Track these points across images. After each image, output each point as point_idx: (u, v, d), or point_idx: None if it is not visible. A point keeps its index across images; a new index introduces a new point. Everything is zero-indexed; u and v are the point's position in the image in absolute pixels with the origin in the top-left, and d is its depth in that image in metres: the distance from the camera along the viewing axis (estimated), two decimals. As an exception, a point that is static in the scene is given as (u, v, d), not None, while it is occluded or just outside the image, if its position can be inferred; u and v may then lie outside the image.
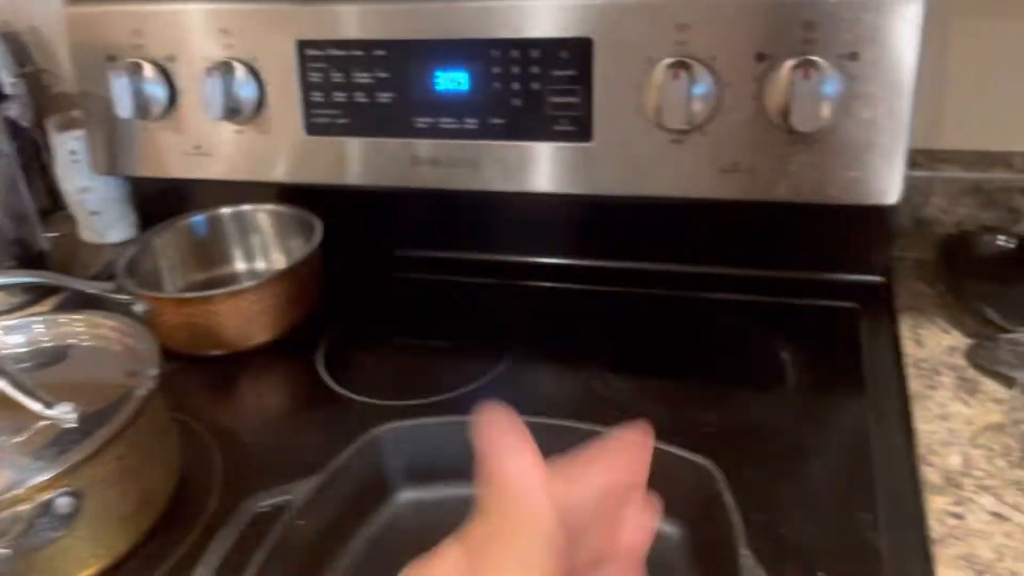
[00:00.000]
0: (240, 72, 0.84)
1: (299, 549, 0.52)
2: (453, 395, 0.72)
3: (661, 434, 0.57)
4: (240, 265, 0.92)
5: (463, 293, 0.88)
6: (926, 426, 0.64)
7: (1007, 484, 0.58)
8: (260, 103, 0.86)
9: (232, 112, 0.85)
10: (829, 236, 0.82)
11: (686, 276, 0.86)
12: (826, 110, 0.71)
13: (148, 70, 0.87)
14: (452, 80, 0.80)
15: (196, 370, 0.79)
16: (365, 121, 0.84)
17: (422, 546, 0.57)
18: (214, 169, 0.90)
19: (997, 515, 0.56)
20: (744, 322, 0.79)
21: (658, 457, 0.55)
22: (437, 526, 0.58)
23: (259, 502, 0.54)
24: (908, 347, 0.73)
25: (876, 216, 0.79)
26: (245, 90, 0.85)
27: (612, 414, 0.66)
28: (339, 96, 0.83)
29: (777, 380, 0.71)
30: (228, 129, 0.87)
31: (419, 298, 0.89)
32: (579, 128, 0.79)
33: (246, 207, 0.90)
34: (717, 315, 0.80)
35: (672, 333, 0.79)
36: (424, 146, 0.84)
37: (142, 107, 0.87)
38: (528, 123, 0.80)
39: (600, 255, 0.89)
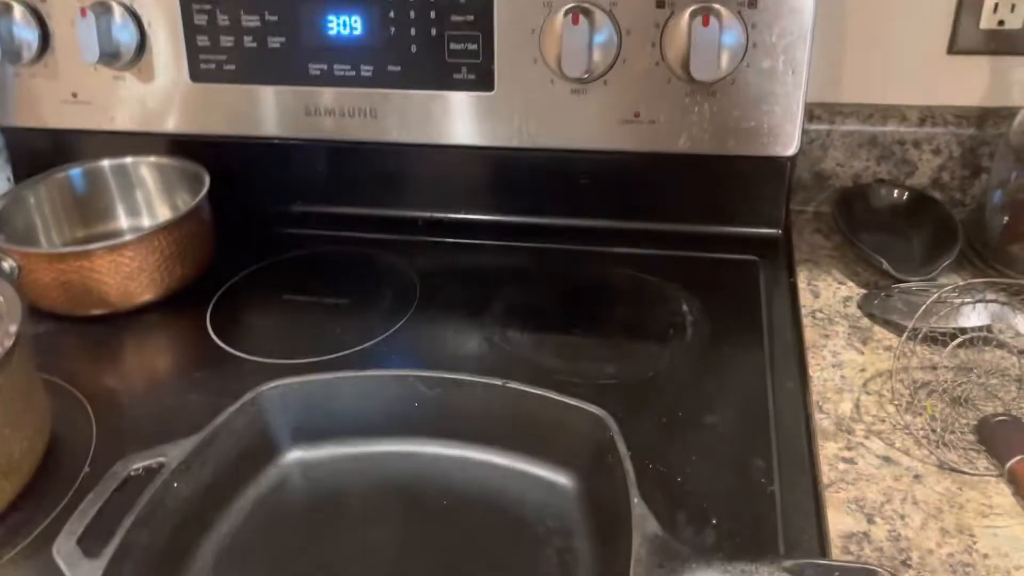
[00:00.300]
0: (118, 13, 0.79)
1: (174, 512, 0.50)
2: (348, 352, 0.69)
3: (559, 386, 0.57)
4: (124, 221, 0.86)
5: (363, 249, 0.85)
6: (820, 374, 0.65)
7: (896, 429, 0.59)
8: (141, 47, 0.81)
9: (110, 56, 0.80)
10: (730, 190, 0.82)
11: (587, 230, 0.84)
12: (725, 59, 0.70)
13: (17, 11, 0.82)
14: (345, 24, 0.76)
15: (75, 331, 0.74)
16: (255, 67, 0.80)
17: (310, 507, 0.56)
18: (94, 119, 0.85)
19: (886, 459, 0.57)
20: (645, 275, 0.78)
21: (552, 408, 0.55)
22: (326, 486, 0.57)
23: (131, 465, 0.51)
24: (805, 298, 0.73)
25: (776, 170, 0.79)
26: (124, 33, 0.80)
27: (510, 367, 0.66)
28: (226, 40, 0.79)
29: (677, 332, 0.71)
30: (107, 75, 0.82)
31: (317, 255, 0.86)
32: (480, 77, 0.77)
33: (128, 159, 0.85)
34: (618, 268, 0.79)
35: (573, 287, 0.78)
36: (319, 95, 0.80)
37: (12, 51, 0.82)
38: (427, 71, 0.78)
39: (502, 210, 0.87)
